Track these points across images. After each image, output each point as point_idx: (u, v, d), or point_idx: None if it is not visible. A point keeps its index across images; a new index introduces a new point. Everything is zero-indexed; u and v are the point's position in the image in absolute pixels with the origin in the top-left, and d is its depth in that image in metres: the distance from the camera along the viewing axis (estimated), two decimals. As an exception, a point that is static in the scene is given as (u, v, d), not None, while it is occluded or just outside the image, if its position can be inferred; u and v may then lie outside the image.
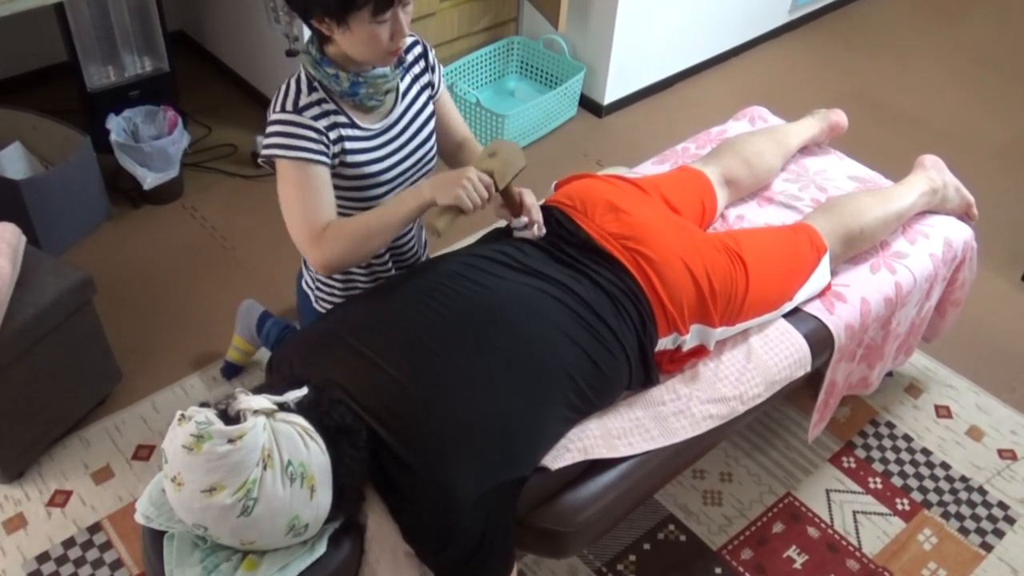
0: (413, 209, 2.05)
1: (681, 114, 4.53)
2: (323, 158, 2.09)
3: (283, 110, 2.08)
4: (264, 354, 3.04)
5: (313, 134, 2.07)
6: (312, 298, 2.55)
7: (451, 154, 2.44)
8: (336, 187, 2.17)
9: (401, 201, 2.07)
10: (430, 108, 2.32)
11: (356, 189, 2.21)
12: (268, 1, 3.51)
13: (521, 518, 2.00)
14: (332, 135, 2.11)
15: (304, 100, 2.09)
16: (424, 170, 2.35)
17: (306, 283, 2.57)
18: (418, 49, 2.30)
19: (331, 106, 2.12)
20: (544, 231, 2.26)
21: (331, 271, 2.11)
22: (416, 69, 2.29)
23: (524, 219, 2.23)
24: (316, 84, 2.11)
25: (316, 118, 2.09)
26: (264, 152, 2.10)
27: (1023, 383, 3.24)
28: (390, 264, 2.44)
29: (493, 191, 2.05)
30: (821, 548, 2.68)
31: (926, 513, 2.79)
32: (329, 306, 2.51)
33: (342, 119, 2.14)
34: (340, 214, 2.43)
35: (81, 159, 3.38)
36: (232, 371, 3.07)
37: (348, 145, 2.15)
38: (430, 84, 2.31)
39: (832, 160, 3.01)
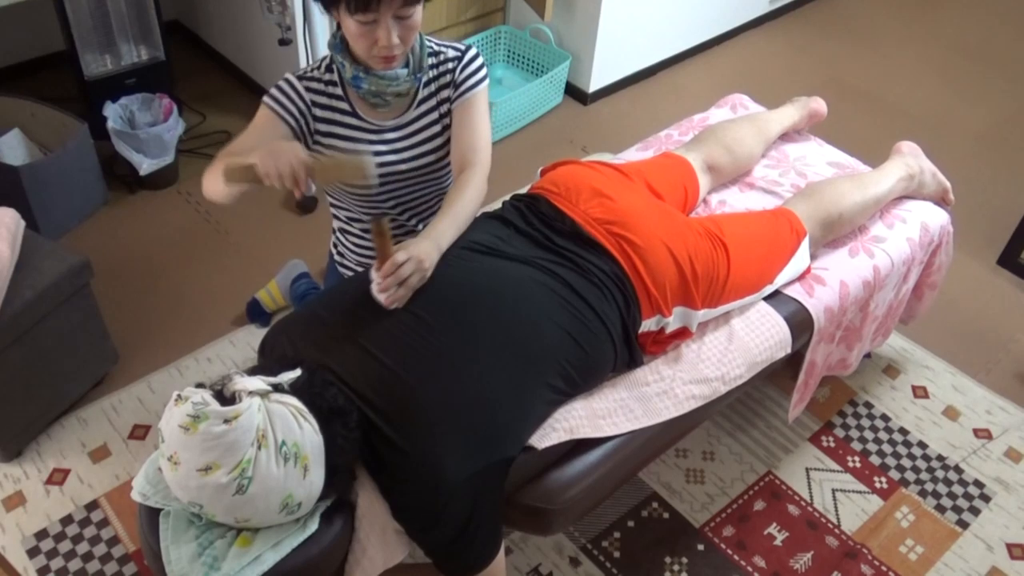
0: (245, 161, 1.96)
1: (664, 102, 4.55)
2: (287, 116, 2.15)
3: (292, 73, 2.18)
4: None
5: (294, 95, 2.15)
6: (334, 254, 2.65)
7: (457, 175, 2.27)
8: None
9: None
10: (439, 126, 2.31)
11: None
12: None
13: (508, 496, 2.02)
14: (318, 112, 2.16)
15: (311, 74, 2.19)
16: (422, 179, 2.37)
17: (332, 241, 2.68)
18: (451, 64, 2.27)
19: (337, 90, 2.18)
20: (392, 307, 1.97)
21: (208, 198, 2.05)
22: (444, 80, 2.28)
23: (375, 278, 1.93)
24: (335, 66, 2.19)
25: (310, 91, 2.15)
26: None
27: (998, 364, 3.28)
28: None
29: (301, 181, 1.85)
30: (801, 525, 2.72)
31: (904, 491, 2.83)
32: (343, 265, 2.62)
33: (342, 105, 2.19)
34: (332, 201, 2.48)
35: (79, 145, 3.41)
36: (255, 310, 3.15)
37: (338, 131, 2.20)
38: (448, 100, 2.28)
39: (812, 147, 3.03)
